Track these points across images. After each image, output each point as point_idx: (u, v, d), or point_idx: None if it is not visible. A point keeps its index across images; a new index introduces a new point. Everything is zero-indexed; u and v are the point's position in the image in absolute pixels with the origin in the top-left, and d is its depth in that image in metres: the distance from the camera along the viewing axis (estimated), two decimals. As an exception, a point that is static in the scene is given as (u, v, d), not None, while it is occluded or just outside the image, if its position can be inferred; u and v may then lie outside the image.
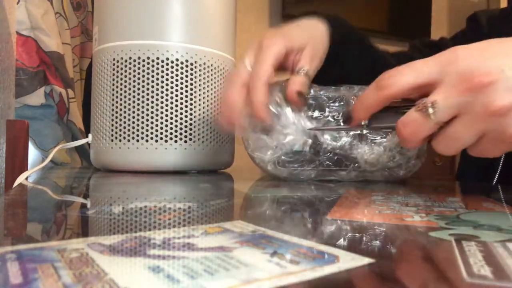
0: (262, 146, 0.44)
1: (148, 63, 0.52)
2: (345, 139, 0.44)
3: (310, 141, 0.44)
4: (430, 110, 0.28)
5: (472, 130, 0.28)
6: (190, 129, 0.54)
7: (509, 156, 0.54)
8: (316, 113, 0.44)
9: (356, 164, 0.45)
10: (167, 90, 0.52)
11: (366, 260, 0.14)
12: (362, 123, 0.34)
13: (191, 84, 0.54)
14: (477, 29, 0.61)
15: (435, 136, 0.30)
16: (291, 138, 0.43)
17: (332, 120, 0.44)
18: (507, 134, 0.27)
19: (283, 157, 0.44)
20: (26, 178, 0.48)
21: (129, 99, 0.52)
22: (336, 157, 0.45)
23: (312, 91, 0.45)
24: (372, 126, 0.33)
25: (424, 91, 0.29)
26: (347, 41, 0.51)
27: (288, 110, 0.43)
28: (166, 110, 0.52)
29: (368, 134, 0.45)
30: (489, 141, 0.28)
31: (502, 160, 0.55)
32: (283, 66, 0.44)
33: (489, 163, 0.56)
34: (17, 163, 0.67)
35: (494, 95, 0.26)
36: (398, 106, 0.32)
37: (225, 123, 0.43)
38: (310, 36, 0.47)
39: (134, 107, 0.52)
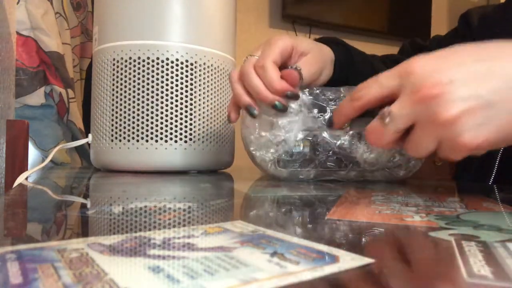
0: (264, 144, 0.44)
1: (148, 63, 0.52)
2: (344, 139, 0.44)
3: (310, 138, 0.44)
4: (387, 119, 0.31)
5: (428, 137, 0.30)
6: (190, 129, 0.54)
7: (505, 156, 0.54)
8: (315, 113, 0.44)
9: (356, 164, 0.45)
10: (167, 90, 0.52)
11: (366, 260, 0.14)
12: (344, 127, 0.37)
13: (191, 84, 0.54)
14: (468, 27, 0.62)
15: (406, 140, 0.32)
16: (292, 133, 0.43)
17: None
18: (458, 143, 0.28)
19: (283, 156, 0.44)
20: (26, 178, 0.49)
21: (129, 99, 0.52)
22: (335, 157, 0.45)
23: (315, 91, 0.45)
24: (352, 130, 0.37)
25: (392, 99, 0.32)
26: (350, 61, 0.54)
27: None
28: (166, 110, 0.52)
29: None
30: (446, 147, 0.30)
31: (497, 161, 0.55)
32: (284, 67, 0.44)
33: (485, 164, 0.56)
34: (17, 163, 0.67)
35: (441, 106, 0.28)
36: (375, 111, 0.35)
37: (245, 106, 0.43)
38: (316, 46, 0.48)
39: (134, 107, 0.52)
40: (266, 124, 0.43)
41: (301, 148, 0.44)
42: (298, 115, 0.44)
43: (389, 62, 0.62)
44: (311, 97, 0.44)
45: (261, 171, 0.49)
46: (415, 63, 0.30)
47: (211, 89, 0.56)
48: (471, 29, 0.61)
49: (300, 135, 0.44)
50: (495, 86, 0.28)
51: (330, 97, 0.45)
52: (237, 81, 0.44)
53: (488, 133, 0.28)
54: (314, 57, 0.47)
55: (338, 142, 0.44)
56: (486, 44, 0.31)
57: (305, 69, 0.44)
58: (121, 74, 0.53)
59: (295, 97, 0.42)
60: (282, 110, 0.42)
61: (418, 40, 0.68)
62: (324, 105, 0.45)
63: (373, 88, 0.33)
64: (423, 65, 0.30)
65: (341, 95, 0.45)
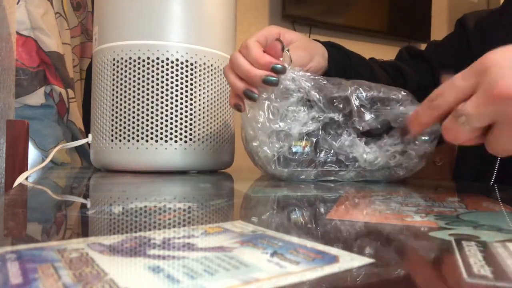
0: (270, 135, 0.44)
1: (148, 63, 0.52)
2: (345, 139, 0.44)
3: (312, 138, 0.44)
4: (462, 119, 0.30)
5: (508, 137, 0.29)
6: (190, 129, 0.54)
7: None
8: (315, 113, 0.44)
9: (357, 164, 0.45)
10: (167, 90, 0.52)
11: (366, 260, 0.14)
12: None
13: (191, 84, 0.54)
14: (464, 31, 0.63)
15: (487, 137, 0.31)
16: (297, 125, 0.43)
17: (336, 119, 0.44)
18: None
19: (286, 154, 0.44)
20: (26, 178, 0.48)
21: (129, 99, 0.52)
22: (336, 158, 0.45)
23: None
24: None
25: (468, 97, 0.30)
26: (347, 63, 0.54)
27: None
28: (166, 110, 0.52)
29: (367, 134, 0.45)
30: None
31: (498, 161, 0.55)
32: None
33: (486, 164, 0.56)
34: (17, 163, 0.67)
35: None
36: None
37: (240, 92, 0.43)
38: (305, 37, 0.49)
39: (134, 107, 0.52)
40: (270, 117, 0.43)
41: (302, 148, 0.44)
42: (302, 109, 0.43)
43: (387, 67, 0.62)
44: (317, 90, 0.44)
45: (261, 171, 0.49)
46: (491, 58, 0.29)
47: (211, 89, 0.56)
48: (467, 33, 0.62)
49: (304, 129, 0.43)
50: None
51: (337, 94, 0.45)
52: (229, 70, 0.44)
53: None
54: (302, 44, 0.47)
55: (339, 143, 0.44)
56: None
57: (293, 53, 0.44)
58: (121, 74, 0.53)
59: (282, 70, 0.41)
60: (274, 83, 0.41)
61: (414, 47, 0.69)
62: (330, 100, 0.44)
63: (450, 93, 0.31)
64: (499, 61, 0.28)
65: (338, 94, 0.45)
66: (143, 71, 0.52)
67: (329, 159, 0.45)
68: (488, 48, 0.31)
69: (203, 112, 0.55)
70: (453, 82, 0.31)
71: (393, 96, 0.45)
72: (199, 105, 0.54)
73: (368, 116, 0.45)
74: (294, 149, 0.44)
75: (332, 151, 0.45)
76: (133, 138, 0.52)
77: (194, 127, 0.54)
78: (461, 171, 0.64)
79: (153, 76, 0.52)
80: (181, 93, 0.53)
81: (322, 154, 0.44)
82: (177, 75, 0.53)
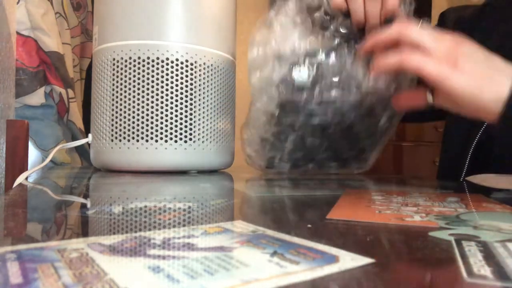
0: (264, 60, 0.43)
1: (148, 63, 0.52)
2: (347, 61, 0.44)
3: (310, 71, 0.43)
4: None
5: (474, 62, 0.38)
6: (190, 129, 0.54)
7: (475, 155, 0.55)
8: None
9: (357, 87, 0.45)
10: (167, 90, 0.52)
11: (366, 260, 0.14)
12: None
13: (191, 84, 0.54)
14: (444, 28, 0.63)
15: None
16: (290, 44, 0.43)
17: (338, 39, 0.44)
18: None
19: (287, 79, 0.43)
20: (26, 178, 0.48)
21: (129, 99, 0.52)
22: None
23: None
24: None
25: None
26: None
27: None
28: (166, 110, 0.52)
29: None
30: None
31: (469, 157, 0.55)
32: None
33: (457, 160, 0.57)
34: (17, 163, 0.67)
35: None
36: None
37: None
38: None
39: (134, 107, 0.52)
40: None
41: (302, 78, 0.43)
42: (296, 26, 0.43)
43: None
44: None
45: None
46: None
47: (211, 89, 0.56)
48: (446, 30, 0.63)
49: (297, 47, 0.43)
50: None
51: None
52: None
53: None
54: None
55: (341, 64, 0.44)
56: None
57: None
58: (121, 74, 0.53)
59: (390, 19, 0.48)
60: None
61: None
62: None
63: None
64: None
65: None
66: (143, 71, 0.52)
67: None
68: None
69: (203, 112, 0.55)
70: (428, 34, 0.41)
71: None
72: (199, 105, 0.54)
73: None
74: (294, 75, 0.43)
75: (333, 78, 0.44)
76: (133, 138, 0.52)
77: (194, 127, 0.54)
78: (441, 170, 0.65)
79: (153, 76, 0.52)
80: (181, 93, 0.53)
81: (323, 81, 0.43)
82: (177, 75, 0.53)
